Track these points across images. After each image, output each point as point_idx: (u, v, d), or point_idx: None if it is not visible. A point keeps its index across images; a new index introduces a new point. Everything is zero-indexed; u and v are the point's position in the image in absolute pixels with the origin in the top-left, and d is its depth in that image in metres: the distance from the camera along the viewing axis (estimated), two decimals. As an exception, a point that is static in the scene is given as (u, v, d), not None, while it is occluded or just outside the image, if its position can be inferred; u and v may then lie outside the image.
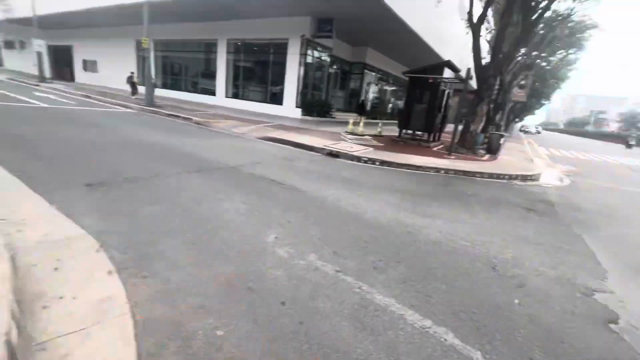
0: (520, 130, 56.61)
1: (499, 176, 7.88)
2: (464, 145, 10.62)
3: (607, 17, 35.43)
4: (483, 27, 12.68)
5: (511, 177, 7.98)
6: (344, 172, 6.27)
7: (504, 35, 10.21)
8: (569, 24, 19.47)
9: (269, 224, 3.35)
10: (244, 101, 17.20)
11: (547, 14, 12.95)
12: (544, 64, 26.33)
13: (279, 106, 15.69)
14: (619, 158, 18.80)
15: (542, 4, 10.32)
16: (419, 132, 11.47)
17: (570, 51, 22.84)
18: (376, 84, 23.21)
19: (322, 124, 13.88)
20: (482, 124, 11.22)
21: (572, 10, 15.75)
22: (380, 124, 12.92)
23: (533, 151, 16.58)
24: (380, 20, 12.53)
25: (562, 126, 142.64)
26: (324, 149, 8.19)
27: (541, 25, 15.89)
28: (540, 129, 65.93)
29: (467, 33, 12.33)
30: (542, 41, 18.30)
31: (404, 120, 11.25)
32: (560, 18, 16.77)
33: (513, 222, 4.47)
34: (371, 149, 8.99)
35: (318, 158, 7.46)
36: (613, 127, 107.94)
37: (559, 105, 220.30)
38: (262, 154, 7.12)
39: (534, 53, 20.20)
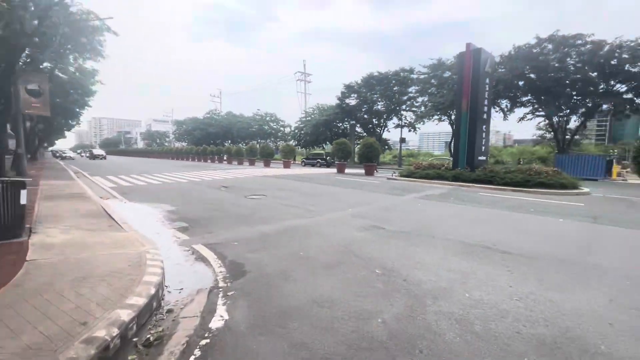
0: (57, 157, 45.90)
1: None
2: None
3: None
4: None
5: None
6: None
7: None
8: (74, 17, 14.71)
9: None
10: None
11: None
12: (60, 73, 20.20)
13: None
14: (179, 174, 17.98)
15: None
16: None
17: (86, 55, 18.35)
18: None
19: None
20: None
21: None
22: None
23: (94, 189, 10.64)
24: None
25: (98, 147, 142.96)
26: None
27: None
28: (98, 152, 49.10)
29: None
30: (44, 37, 12.14)
31: None
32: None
33: None
34: None
35: None
36: (140, 144, 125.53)
37: (87, 127, 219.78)
38: None
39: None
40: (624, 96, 23.84)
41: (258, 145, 37.03)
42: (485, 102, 14.40)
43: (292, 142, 49.35)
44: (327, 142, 47.72)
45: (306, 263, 4.02)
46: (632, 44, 22.25)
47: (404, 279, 3.51)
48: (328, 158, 30.70)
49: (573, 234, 5.77)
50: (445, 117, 32.17)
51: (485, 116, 14.44)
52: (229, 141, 62.37)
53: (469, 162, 14.11)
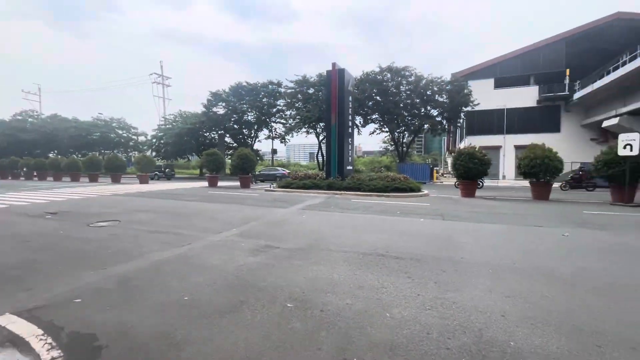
0: None
1: None
2: None
3: None
4: None
5: None
6: None
7: None
8: None
9: None
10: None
11: None
12: None
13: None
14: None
15: None
16: None
17: None
18: None
19: None
20: None
21: None
22: None
23: None
24: None
25: None
26: None
27: None
28: None
29: None
30: None
31: None
32: None
33: None
34: None
35: None
36: None
37: None
38: None
39: None
40: (437, 118, 31.52)
41: (102, 157, 30.01)
42: (350, 117, 16.06)
43: (149, 153, 42.53)
44: (193, 153, 43.59)
45: (196, 311, 3.06)
46: (439, 80, 29.76)
47: (320, 310, 3.09)
48: (167, 170, 34.37)
49: (435, 232, 6.79)
50: (312, 130, 34.57)
51: (350, 130, 16.08)
52: (55, 152, 48.55)
53: (340, 172, 15.34)
